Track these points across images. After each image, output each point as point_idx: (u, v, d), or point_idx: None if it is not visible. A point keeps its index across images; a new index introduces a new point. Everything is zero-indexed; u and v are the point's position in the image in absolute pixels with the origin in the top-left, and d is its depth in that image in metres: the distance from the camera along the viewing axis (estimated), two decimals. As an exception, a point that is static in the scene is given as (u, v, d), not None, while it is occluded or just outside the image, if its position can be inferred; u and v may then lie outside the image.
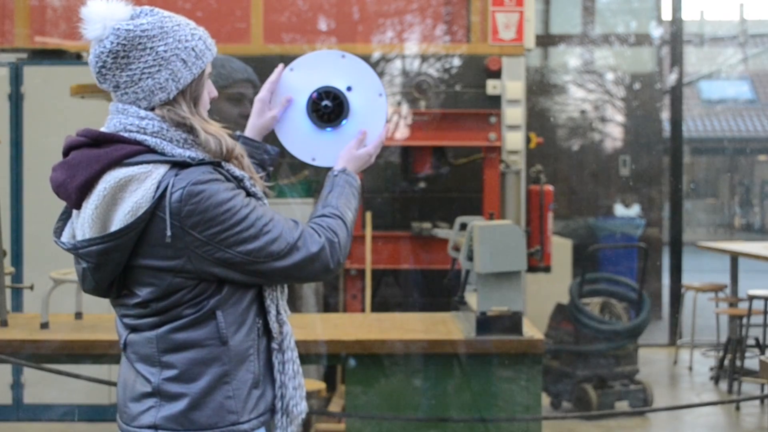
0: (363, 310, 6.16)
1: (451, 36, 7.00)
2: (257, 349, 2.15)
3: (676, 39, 9.57)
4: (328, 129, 2.40)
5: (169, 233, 2.02)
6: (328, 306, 6.38)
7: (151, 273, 2.06)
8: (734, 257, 8.06)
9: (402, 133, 6.30)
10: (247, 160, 2.19)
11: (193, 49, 2.12)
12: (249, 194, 2.13)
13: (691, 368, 8.06)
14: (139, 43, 2.07)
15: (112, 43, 2.06)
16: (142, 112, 2.09)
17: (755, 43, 19.26)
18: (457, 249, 4.25)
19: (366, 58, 2.69)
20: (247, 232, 2.06)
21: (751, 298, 7.13)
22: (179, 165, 2.06)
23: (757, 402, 6.93)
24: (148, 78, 2.08)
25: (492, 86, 6.55)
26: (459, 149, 6.48)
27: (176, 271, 2.05)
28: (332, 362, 5.10)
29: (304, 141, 2.41)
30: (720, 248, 8.26)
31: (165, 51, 2.08)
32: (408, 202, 6.69)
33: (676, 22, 9.57)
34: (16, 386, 6.05)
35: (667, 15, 10.65)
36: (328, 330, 4.15)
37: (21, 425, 6.01)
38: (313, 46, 6.83)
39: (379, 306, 6.25)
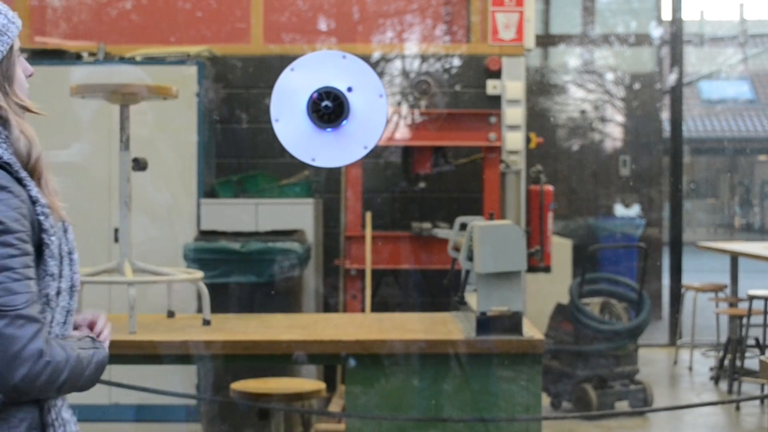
0: (363, 310, 6.16)
1: (451, 36, 7.00)
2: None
3: (676, 39, 9.57)
4: (329, 129, 2.40)
5: None
6: (328, 306, 6.39)
7: None
8: (734, 257, 8.06)
9: (402, 133, 6.30)
10: (49, 180, 1.96)
11: None
12: (41, 228, 1.90)
13: (691, 368, 8.06)
14: None
15: None
16: None
17: (755, 43, 19.27)
18: (457, 249, 4.24)
19: (366, 59, 2.69)
20: None
21: (751, 298, 7.13)
22: None
23: (757, 402, 6.93)
24: None
25: (492, 86, 6.56)
26: (459, 149, 6.48)
27: None
28: (332, 362, 5.11)
29: (304, 141, 2.41)
30: (720, 248, 8.26)
31: None
32: (408, 202, 6.69)
33: (676, 22, 9.57)
34: (16, 386, 6.04)
35: (667, 15, 10.67)
36: (328, 330, 4.15)
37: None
38: (313, 46, 6.83)
39: (379, 306, 6.24)
